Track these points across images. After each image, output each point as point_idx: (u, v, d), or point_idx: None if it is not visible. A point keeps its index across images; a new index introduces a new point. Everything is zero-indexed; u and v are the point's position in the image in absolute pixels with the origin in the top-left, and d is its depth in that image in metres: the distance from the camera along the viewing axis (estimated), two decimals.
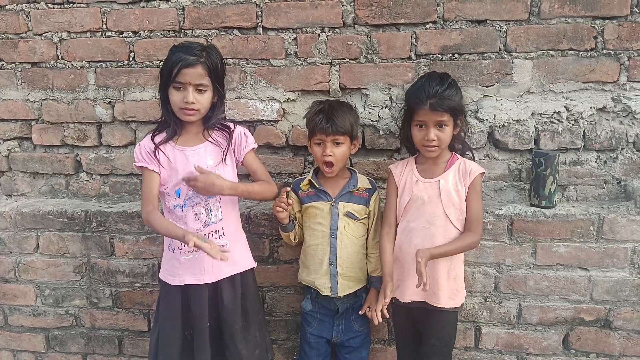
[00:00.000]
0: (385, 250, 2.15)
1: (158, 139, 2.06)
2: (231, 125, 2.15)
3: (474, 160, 2.22)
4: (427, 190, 2.09)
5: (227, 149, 2.10)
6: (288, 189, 2.15)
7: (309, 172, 2.44)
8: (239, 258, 2.15)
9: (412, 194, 2.11)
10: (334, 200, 2.20)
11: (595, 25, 2.26)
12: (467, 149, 2.22)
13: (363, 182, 2.25)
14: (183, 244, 2.03)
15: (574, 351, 2.38)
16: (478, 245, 2.19)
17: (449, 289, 2.08)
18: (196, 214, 2.06)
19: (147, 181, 2.07)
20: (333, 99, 2.38)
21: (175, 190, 2.07)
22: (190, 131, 2.10)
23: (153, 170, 2.05)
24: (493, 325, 2.40)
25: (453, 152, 2.14)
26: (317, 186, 2.23)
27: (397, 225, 2.18)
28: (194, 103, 1.98)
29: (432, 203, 2.07)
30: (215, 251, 1.83)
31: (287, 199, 2.13)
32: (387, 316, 2.07)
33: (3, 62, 2.63)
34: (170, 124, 2.07)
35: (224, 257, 1.85)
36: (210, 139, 2.10)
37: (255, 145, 2.20)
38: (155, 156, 2.04)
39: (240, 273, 2.15)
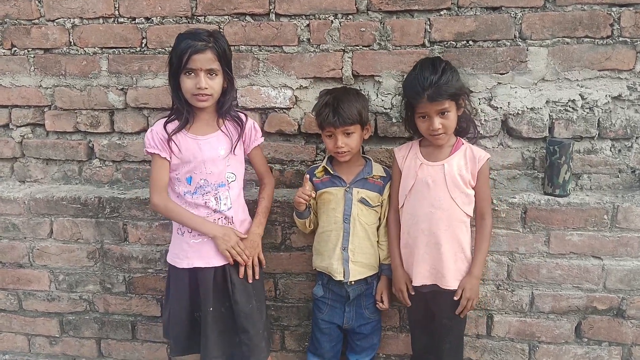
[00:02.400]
0: (393, 239, 2.24)
1: (171, 127, 2.06)
2: (243, 117, 2.18)
3: (477, 138, 2.25)
4: (432, 174, 2.10)
5: (237, 141, 2.13)
6: (307, 176, 2.17)
7: (321, 159, 2.45)
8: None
9: (416, 177, 2.12)
10: (348, 185, 2.20)
11: (612, 13, 2.23)
12: (471, 125, 2.22)
13: (378, 170, 2.25)
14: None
15: (586, 340, 2.38)
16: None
17: (457, 271, 2.12)
18: (205, 202, 2.09)
19: (158, 168, 2.09)
20: (339, 87, 2.35)
21: (187, 177, 2.09)
22: (202, 118, 2.11)
23: (165, 158, 2.07)
24: (505, 313, 2.40)
25: (458, 137, 2.15)
26: (332, 172, 2.23)
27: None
28: (206, 88, 1.99)
29: (437, 187, 2.08)
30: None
31: (309, 190, 2.16)
32: (409, 304, 2.20)
33: (16, 48, 2.63)
34: (182, 113, 2.07)
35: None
36: (223, 127, 2.12)
37: (262, 140, 2.25)
38: (167, 144, 2.05)
39: None
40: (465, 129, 2.20)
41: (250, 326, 2.15)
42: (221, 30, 2.43)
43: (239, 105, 2.48)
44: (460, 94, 2.04)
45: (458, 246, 2.11)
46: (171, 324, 2.21)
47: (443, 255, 2.09)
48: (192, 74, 1.98)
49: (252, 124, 2.21)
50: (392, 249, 2.24)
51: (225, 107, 2.12)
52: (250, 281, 2.13)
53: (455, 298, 2.10)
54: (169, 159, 2.07)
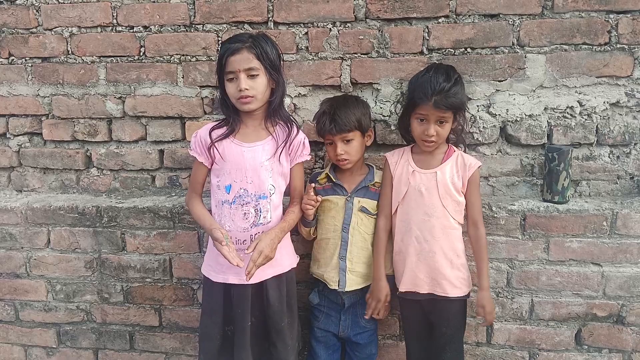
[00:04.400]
0: (381, 247, 2.19)
1: (217, 133, 2.04)
2: (295, 126, 2.11)
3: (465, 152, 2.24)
4: (424, 182, 2.09)
5: (283, 147, 2.05)
6: (313, 185, 2.11)
7: (319, 167, 2.45)
8: (284, 259, 2.13)
9: (409, 184, 2.12)
10: (349, 194, 2.20)
11: (609, 20, 2.24)
12: (461, 142, 2.22)
13: (380, 177, 2.24)
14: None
15: (586, 347, 2.37)
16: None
17: (454, 278, 2.10)
18: (245, 213, 2.02)
19: (195, 170, 2.12)
20: (340, 94, 2.37)
21: (226, 186, 2.03)
22: (250, 124, 2.06)
23: (202, 162, 2.06)
24: (505, 320, 2.39)
25: (450, 145, 2.15)
26: (334, 180, 2.22)
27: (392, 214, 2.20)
28: (247, 89, 1.93)
29: (430, 195, 2.08)
30: (232, 257, 1.87)
31: (314, 195, 2.10)
32: (382, 317, 2.24)
33: (13, 57, 2.62)
34: (230, 121, 2.04)
35: (240, 264, 1.87)
36: (274, 133, 2.06)
37: (309, 158, 2.18)
38: (208, 150, 2.03)
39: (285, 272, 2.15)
40: (454, 142, 2.19)
41: (280, 342, 2.13)
42: (220, 39, 2.43)
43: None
44: (461, 109, 2.06)
45: (453, 253, 2.10)
46: (202, 339, 2.16)
47: (438, 262, 2.08)
48: (233, 77, 1.95)
49: (302, 138, 2.12)
50: (377, 258, 2.19)
51: (274, 108, 2.05)
52: (246, 279, 1.92)
53: (479, 317, 2.17)
54: (206, 164, 2.06)
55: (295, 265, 2.21)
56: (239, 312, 2.07)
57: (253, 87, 1.95)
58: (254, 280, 2.01)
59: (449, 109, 1.98)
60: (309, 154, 2.18)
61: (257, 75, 1.95)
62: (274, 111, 2.07)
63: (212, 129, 2.05)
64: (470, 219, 2.13)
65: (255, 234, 2.03)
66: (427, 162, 2.13)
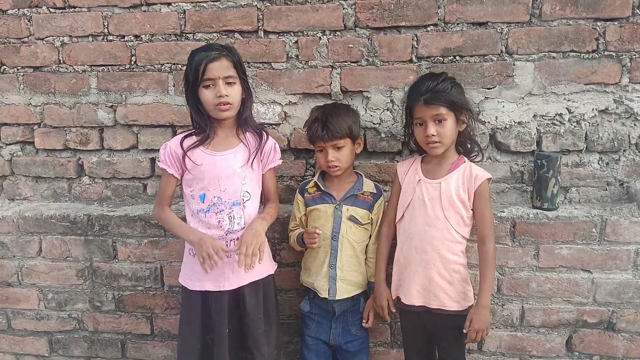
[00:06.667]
0: (381, 253, 2.20)
1: (187, 143, 2.03)
2: (264, 133, 2.14)
3: (482, 158, 2.22)
4: (429, 192, 2.06)
5: (255, 154, 2.08)
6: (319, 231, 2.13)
7: (310, 174, 2.45)
8: (261, 266, 2.10)
9: (414, 194, 2.09)
10: (338, 202, 2.20)
11: (597, 27, 2.25)
12: (475, 145, 2.16)
13: (368, 186, 2.25)
14: None
15: (577, 353, 2.37)
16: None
17: (452, 291, 2.05)
18: (219, 221, 2.03)
19: (164, 182, 2.11)
20: (331, 102, 2.38)
21: (200, 195, 2.04)
22: (222, 133, 2.07)
23: (172, 174, 2.06)
24: (496, 327, 2.39)
25: (461, 155, 2.11)
26: (323, 188, 2.23)
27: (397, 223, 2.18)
28: (227, 96, 1.96)
29: (433, 205, 2.04)
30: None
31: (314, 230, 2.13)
32: (389, 320, 2.14)
33: (5, 67, 2.63)
34: (204, 128, 2.03)
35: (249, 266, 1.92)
36: (244, 140, 2.09)
37: (280, 162, 2.20)
38: (179, 161, 2.03)
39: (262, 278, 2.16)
40: (469, 149, 2.15)
41: (255, 349, 2.13)
42: None
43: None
44: (460, 106, 2.00)
45: (453, 266, 2.04)
46: (182, 348, 2.16)
47: (435, 274, 2.03)
48: (211, 84, 1.96)
49: (273, 144, 2.16)
50: (378, 263, 2.20)
51: (245, 116, 2.09)
52: (245, 271, 1.96)
53: (465, 331, 2.00)
54: (176, 175, 2.06)
55: (272, 272, 2.21)
56: (217, 320, 2.08)
57: (231, 94, 1.97)
58: (231, 286, 2.05)
59: (440, 104, 1.96)
60: (280, 159, 2.20)
61: (234, 83, 1.99)
62: (244, 120, 2.10)
63: (183, 139, 2.05)
64: (478, 234, 2.06)
65: (230, 241, 2.05)
66: (435, 172, 2.09)
